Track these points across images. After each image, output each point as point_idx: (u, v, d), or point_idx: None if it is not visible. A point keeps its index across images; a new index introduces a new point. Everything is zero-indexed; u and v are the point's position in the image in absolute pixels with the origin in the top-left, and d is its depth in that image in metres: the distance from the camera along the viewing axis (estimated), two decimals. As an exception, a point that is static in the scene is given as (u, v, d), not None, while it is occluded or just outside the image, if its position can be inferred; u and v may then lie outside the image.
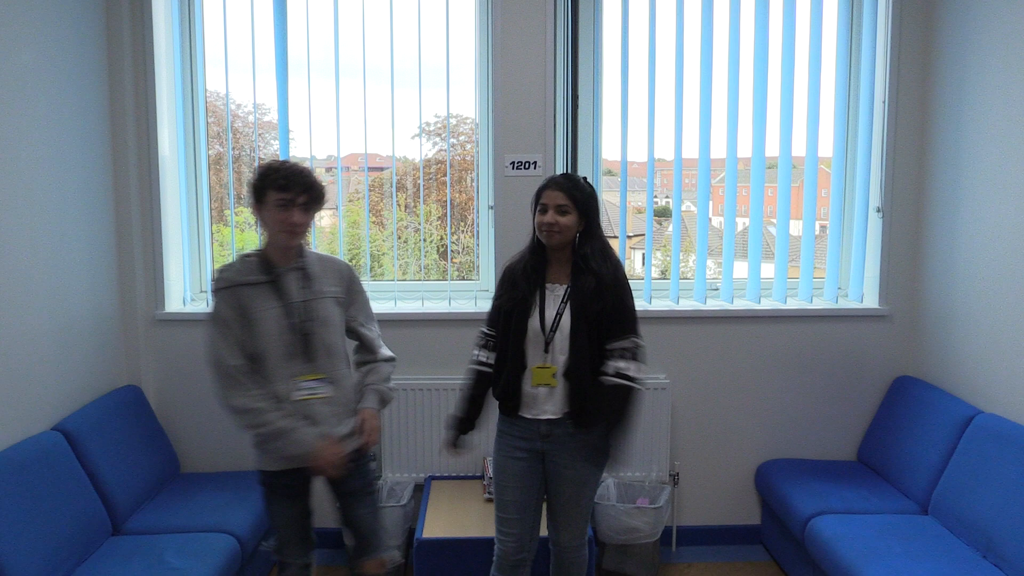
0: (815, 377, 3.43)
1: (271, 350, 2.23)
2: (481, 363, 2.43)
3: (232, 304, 2.21)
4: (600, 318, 2.29)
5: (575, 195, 2.31)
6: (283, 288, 2.24)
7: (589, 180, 2.41)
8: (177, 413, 3.39)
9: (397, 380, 3.31)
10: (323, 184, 2.27)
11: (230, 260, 2.34)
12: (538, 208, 2.35)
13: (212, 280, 2.29)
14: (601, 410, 2.30)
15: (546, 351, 2.32)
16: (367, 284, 3.46)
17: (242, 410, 2.25)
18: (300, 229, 2.23)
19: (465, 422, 2.47)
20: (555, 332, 2.31)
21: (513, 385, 2.35)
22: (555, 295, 2.35)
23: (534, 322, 2.33)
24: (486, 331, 2.45)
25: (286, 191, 2.17)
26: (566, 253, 2.37)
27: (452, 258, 3.56)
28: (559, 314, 2.32)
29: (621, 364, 2.29)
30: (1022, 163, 2.73)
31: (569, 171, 3.37)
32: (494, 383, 2.41)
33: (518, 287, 2.37)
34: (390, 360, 2.47)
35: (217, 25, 3.33)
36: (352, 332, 2.42)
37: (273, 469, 2.33)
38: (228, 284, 2.22)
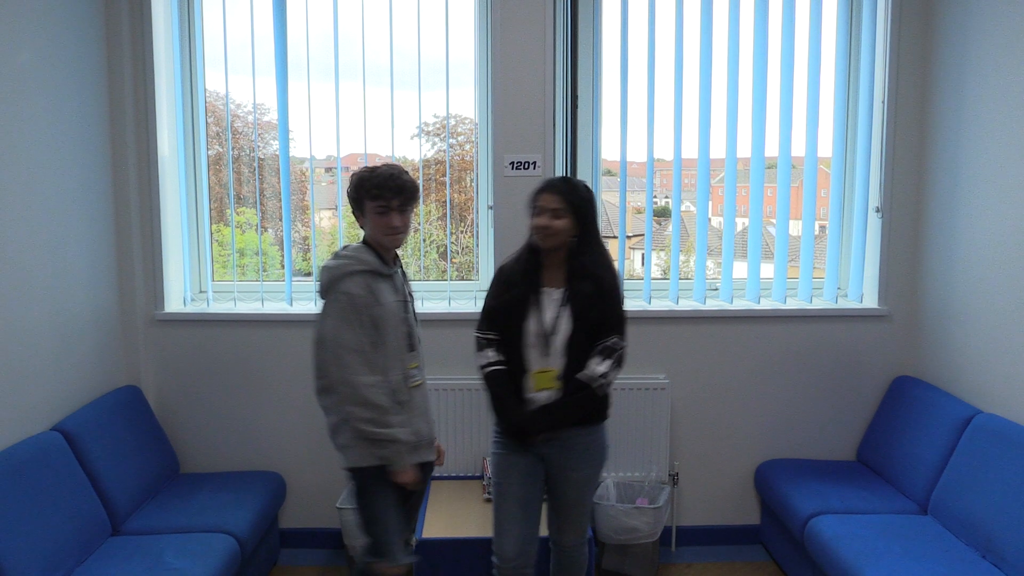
0: (815, 377, 3.43)
1: (391, 339, 2.29)
2: (493, 363, 2.38)
3: (366, 288, 2.25)
4: (597, 323, 2.30)
5: (570, 199, 2.31)
6: (397, 283, 2.37)
7: (589, 185, 2.41)
8: (177, 413, 3.40)
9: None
10: (415, 182, 2.33)
11: (347, 247, 2.34)
12: (534, 211, 2.34)
13: (339, 261, 2.27)
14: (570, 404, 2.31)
15: (546, 355, 2.31)
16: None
17: (369, 401, 2.22)
18: (402, 231, 2.32)
19: (526, 418, 2.34)
20: (554, 336, 2.30)
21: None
22: (552, 299, 2.34)
23: (533, 325, 2.32)
24: (484, 334, 2.42)
25: (380, 198, 2.26)
26: (560, 256, 2.35)
27: (451, 258, 3.56)
28: (557, 317, 2.31)
29: (597, 364, 2.29)
30: (1022, 163, 2.73)
31: (569, 171, 3.38)
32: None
33: (514, 289, 2.36)
34: None
35: (217, 25, 3.33)
36: None
37: (374, 464, 2.29)
38: (367, 267, 2.27)
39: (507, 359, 2.36)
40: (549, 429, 2.33)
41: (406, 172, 2.32)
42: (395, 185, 2.26)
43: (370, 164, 2.38)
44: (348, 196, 2.33)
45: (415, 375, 2.38)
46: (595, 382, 2.29)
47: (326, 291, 2.29)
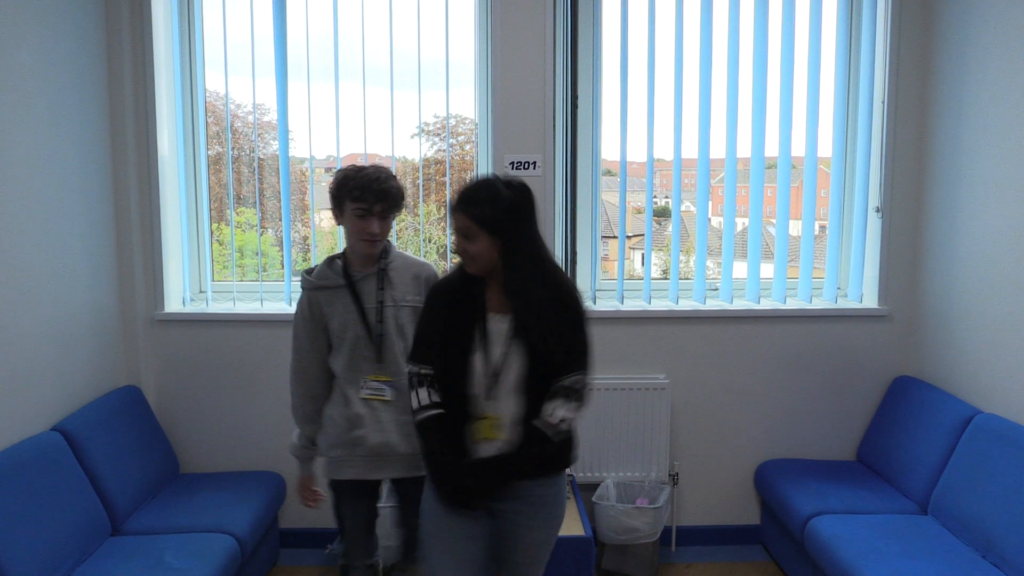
0: (815, 377, 3.43)
1: (342, 351, 2.27)
2: (428, 406, 1.95)
3: (309, 305, 2.30)
4: (554, 357, 1.90)
5: (476, 214, 1.88)
6: (360, 293, 2.27)
7: (515, 180, 1.93)
8: (177, 413, 3.39)
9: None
10: (401, 188, 2.25)
11: (311, 263, 2.45)
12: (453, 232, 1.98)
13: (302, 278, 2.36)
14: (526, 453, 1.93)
15: (492, 397, 1.92)
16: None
17: (292, 406, 2.39)
18: (379, 237, 2.23)
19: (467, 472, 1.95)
20: (503, 373, 1.91)
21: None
22: (499, 327, 1.93)
23: (478, 361, 1.92)
24: (419, 368, 1.98)
25: (361, 201, 2.17)
26: (500, 276, 1.93)
27: (451, 258, 3.56)
28: (507, 352, 1.91)
29: (556, 408, 1.90)
30: (1021, 163, 2.73)
31: (569, 171, 3.37)
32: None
33: (455, 316, 1.95)
34: None
35: (217, 25, 3.33)
36: None
37: (338, 478, 2.36)
38: (308, 287, 2.31)
39: (445, 401, 1.95)
40: (495, 490, 1.95)
41: (394, 177, 2.24)
42: (379, 190, 2.17)
43: (358, 164, 2.34)
44: (329, 193, 2.25)
45: (380, 388, 2.26)
46: (552, 430, 1.90)
47: None
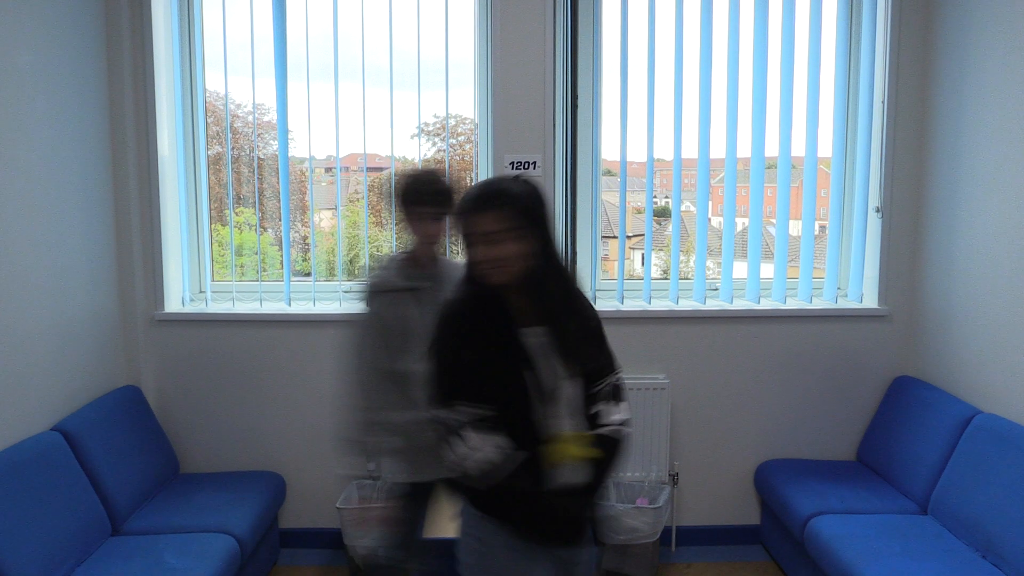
0: (815, 377, 3.43)
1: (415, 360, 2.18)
2: (497, 448, 1.64)
3: (390, 307, 2.27)
4: (591, 358, 1.78)
5: (507, 213, 1.64)
6: (427, 295, 2.26)
7: (521, 175, 1.75)
8: (177, 413, 3.40)
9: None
10: (452, 189, 2.29)
11: (381, 258, 2.41)
12: (467, 241, 1.68)
13: (367, 281, 2.33)
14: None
15: (549, 417, 1.70)
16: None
17: (398, 424, 2.29)
18: (438, 238, 2.31)
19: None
20: (557, 390, 1.72)
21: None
22: (537, 341, 1.71)
23: (530, 381, 1.69)
24: (461, 411, 1.65)
25: (420, 204, 2.25)
26: (523, 285, 1.70)
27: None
28: (552, 367, 1.72)
29: (613, 412, 1.78)
30: (1021, 163, 2.73)
31: (569, 171, 3.37)
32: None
33: (486, 340, 1.68)
34: None
35: (217, 25, 3.33)
36: None
37: (418, 480, 2.36)
38: (388, 288, 2.28)
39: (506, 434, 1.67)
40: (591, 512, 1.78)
41: (444, 178, 2.33)
42: (432, 191, 2.25)
43: (412, 168, 2.41)
44: (392, 197, 2.34)
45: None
46: (619, 434, 1.78)
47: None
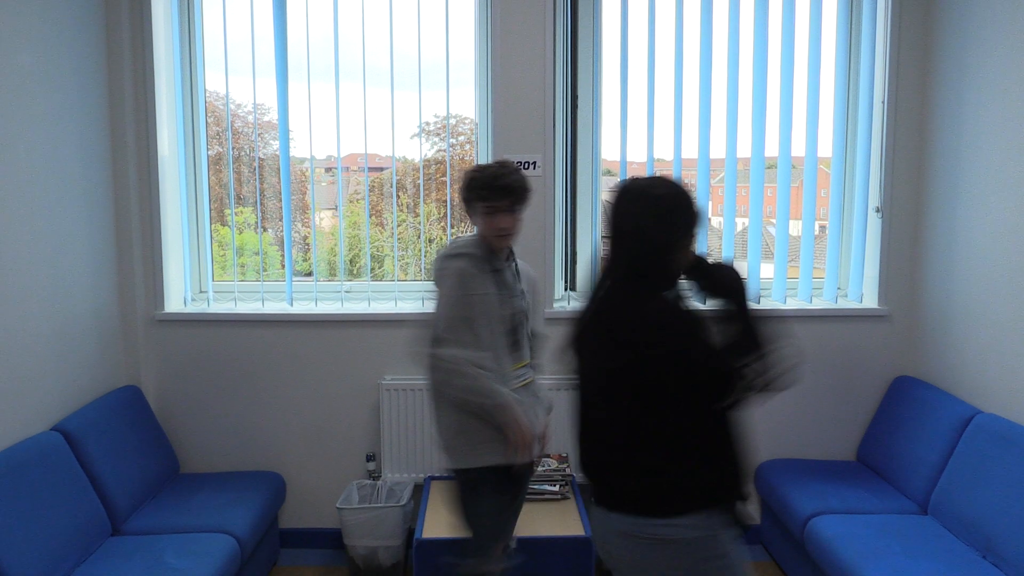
0: (815, 377, 3.43)
1: (484, 333, 2.23)
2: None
3: (473, 268, 2.24)
4: None
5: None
6: (507, 278, 2.32)
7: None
8: (177, 413, 3.40)
9: (397, 380, 3.34)
10: (524, 181, 2.27)
11: (458, 238, 2.40)
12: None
13: (449, 248, 2.32)
14: None
15: None
16: (367, 284, 3.49)
17: (461, 370, 2.19)
18: (511, 231, 2.29)
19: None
20: None
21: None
22: None
23: None
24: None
25: (488, 200, 2.23)
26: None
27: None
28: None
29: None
30: (1021, 163, 2.73)
31: (569, 171, 3.38)
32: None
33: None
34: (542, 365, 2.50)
35: (217, 25, 3.33)
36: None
37: (484, 465, 2.29)
38: (474, 253, 2.26)
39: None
40: None
41: (516, 171, 2.27)
42: (501, 186, 2.22)
43: (482, 163, 2.36)
44: (460, 195, 2.32)
45: (521, 374, 2.33)
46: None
47: (438, 276, 2.30)
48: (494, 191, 2.22)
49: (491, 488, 2.31)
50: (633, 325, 1.65)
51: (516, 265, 2.40)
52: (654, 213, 1.66)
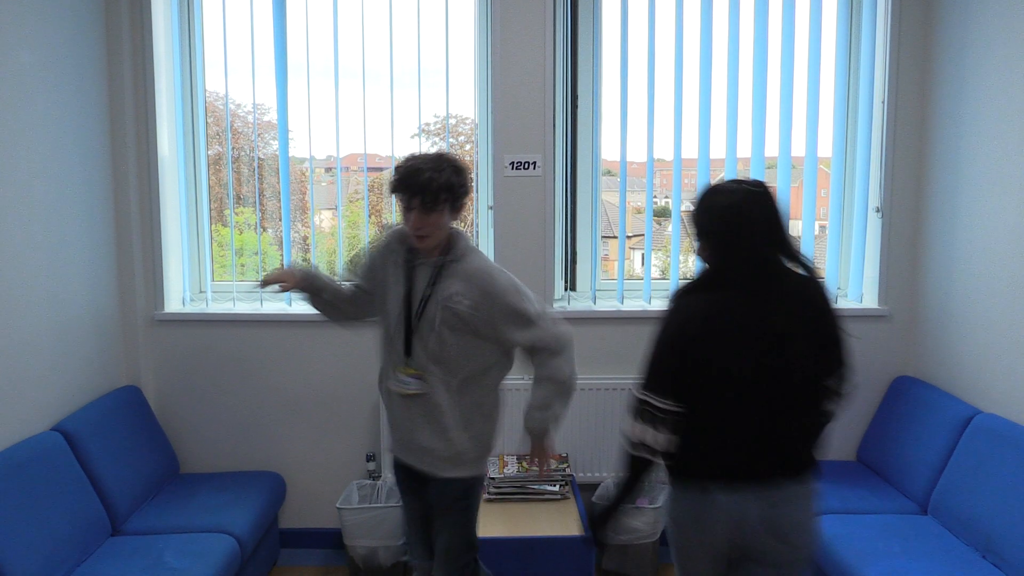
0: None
1: (388, 325, 2.21)
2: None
3: (380, 255, 2.24)
4: None
5: None
6: (412, 277, 2.17)
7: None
8: (177, 413, 3.40)
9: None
10: (451, 179, 2.06)
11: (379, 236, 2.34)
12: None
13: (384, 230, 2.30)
14: None
15: None
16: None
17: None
18: (423, 232, 2.08)
19: None
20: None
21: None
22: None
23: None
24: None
25: (398, 193, 2.08)
26: None
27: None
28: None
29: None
30: (1021, 163, 2.73)
31: (569, 171, 3.38)
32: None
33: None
34: (550, 380, 2.16)
35: (217, 26, 3.33)
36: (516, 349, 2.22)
37: (394, 456, 2.31)
38: (389, 238, 2.24)
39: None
40: None
41: (438, 168, 2.05)
42: (417, 183, 2.03)
43: (415, 154, 2.17)
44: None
45: (406, 383, 2.16)
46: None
47: None
48: (403, 186, 2.05)
49: (399, 483, 2.37)
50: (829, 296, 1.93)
51: (444, 269, 2.14)
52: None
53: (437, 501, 2.28)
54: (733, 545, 1.88)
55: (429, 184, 2.03)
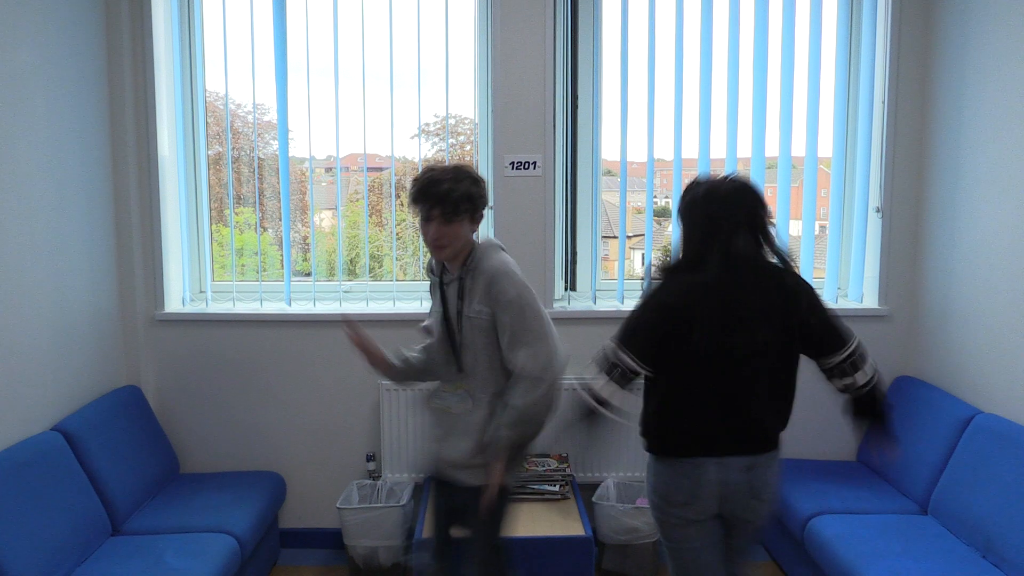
0: (815, 377, 3.41)
1: (435, 346, 2.24)
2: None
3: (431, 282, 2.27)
4: None
5: None
6: (445, 296, 2.19)
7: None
8: (177, 413, 3.40)
9: (397, 380, 3.31)
10: (470, 189, 2.08)
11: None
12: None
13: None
14: None
15: None
16: (367, 284, 3.48)
17: None
18: (441, 242, 2.09)
19: None
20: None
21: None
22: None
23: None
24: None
25: (417, 204, 2.09)
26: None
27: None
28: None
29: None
30: (1021, 163, 2.73)
31: (569, 171, 3.38)
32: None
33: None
34: (510, 405, 2.09)
35: (217, 25, 3.33)
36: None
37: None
38: (426, 268, 2.30)
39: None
40: None
41: (457, 179, 2.07)
42: (436, 193, 2.04)
43: (433, 164, 2.19)
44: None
45: (449, 402, 2.18)
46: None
47: None
48: (422, 196, 2.06)
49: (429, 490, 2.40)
50: (806, 285, 2.07)
51: (465, 283, 2.14)
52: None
53: (456, 504, 2.27)
54: (721, 508, 2.08)
55: (449, 195, 2.05)
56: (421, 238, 2.20)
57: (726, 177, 2.04)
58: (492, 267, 2.10)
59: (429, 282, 2.31)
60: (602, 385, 1.99)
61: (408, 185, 2.18)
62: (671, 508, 2.09)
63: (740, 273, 1.98)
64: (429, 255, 2.25)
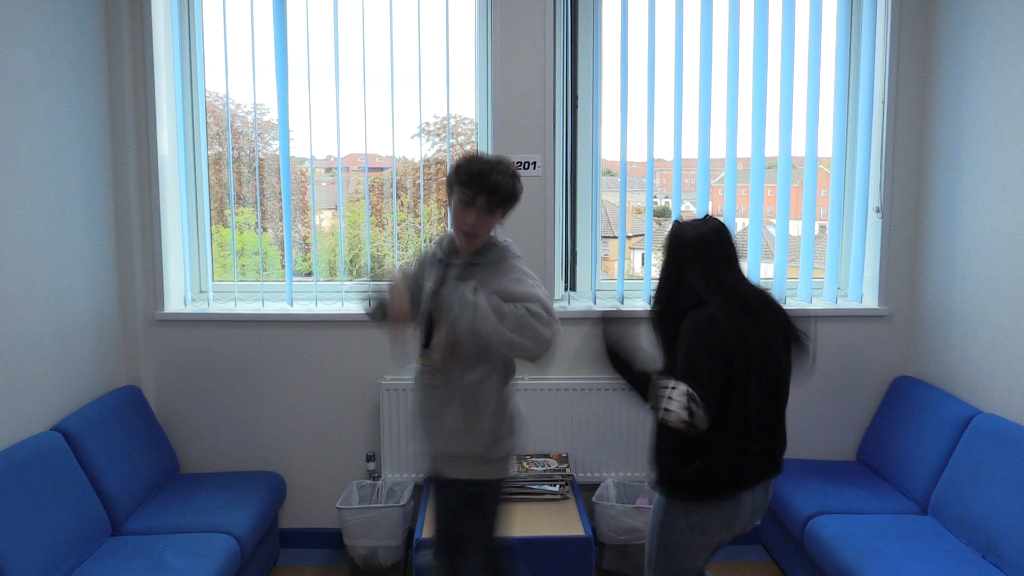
0: (815, 377, 3.42)
1: (417, 318, 2.23)
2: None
3: (418, 262, 2.31)
4: None
5: None
6: (445, 275, 2.17)
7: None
8: (177, 413, 3.40)
9: (397, 380, 3.32)
10: (514, 185, 2.10)
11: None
12: None
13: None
14: None
15: None
16: (366, 285, 3.48)
17: None
18: (476, 230, 2.09)
19: None
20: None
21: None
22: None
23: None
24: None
25: (467, 188, 2.06)
26: None
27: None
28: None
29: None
30: (1021, 163, 2.73)
31: (569, 171, 3.39)
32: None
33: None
34: (517, 313, 1.97)
35: (217, 25, 3.33)
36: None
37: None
38: (436, 243, 2.29)
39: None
40: None
41: (510, 173, 2.08)
42: (489, 182, 2.04)
43: (473, 153, 2.19)
44: (446, 177, 2.15)
45: (422, 371, 2.22)
46: None
47: None
48: (474, 181, 2.04)
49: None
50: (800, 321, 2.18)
51: (474, 268, 2.13)
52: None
53: (449, 500, 2.29)
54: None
55: (498, 187, 2.06)
56: (451, 220, 2.18)
57: (705, 217, 2.19)
58: (526, 293, 2.04)
59: (426, 254, 2.31)
60: (682, 417, 1.90)
61: (451, 169, 2.12)
62: (705, 538, 2.09)
63: (749, 301, 2.06)
64: (441, 234, 2.28)
